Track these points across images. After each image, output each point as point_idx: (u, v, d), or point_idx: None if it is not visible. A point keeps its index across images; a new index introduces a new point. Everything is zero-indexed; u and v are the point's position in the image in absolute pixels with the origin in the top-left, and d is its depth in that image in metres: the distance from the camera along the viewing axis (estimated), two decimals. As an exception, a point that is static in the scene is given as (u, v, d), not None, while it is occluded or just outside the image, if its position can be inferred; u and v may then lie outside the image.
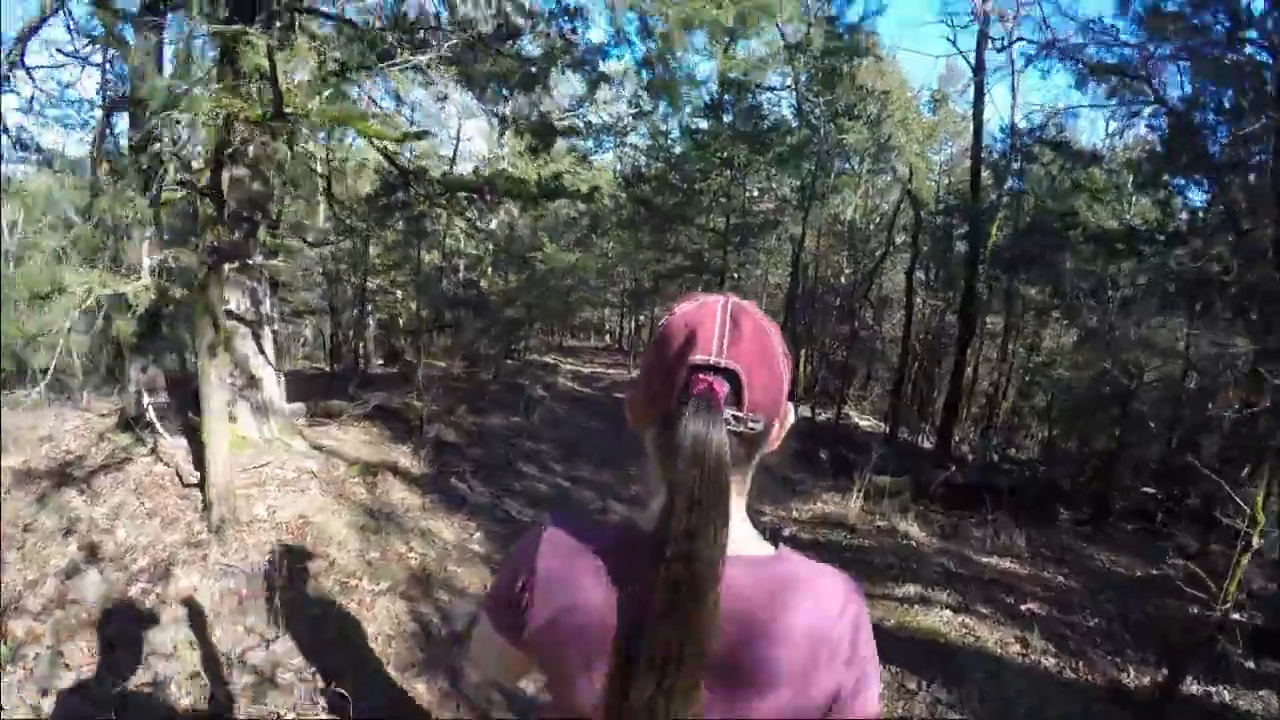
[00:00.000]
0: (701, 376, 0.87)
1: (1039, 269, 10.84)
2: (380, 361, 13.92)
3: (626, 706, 0.81)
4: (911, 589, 5.73)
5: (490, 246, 11.51)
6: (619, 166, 20.07)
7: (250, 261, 5.94)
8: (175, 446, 5.66)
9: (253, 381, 6.40)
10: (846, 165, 14.41)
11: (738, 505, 0.94)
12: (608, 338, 32.04)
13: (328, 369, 11.79)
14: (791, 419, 0.99)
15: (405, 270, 10.98)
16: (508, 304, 13.15)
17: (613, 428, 11.19)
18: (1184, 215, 10.48)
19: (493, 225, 13.45)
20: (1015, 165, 12.25)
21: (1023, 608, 5.56)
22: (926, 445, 11.95)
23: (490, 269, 13.79)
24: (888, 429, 10.80)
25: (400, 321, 12.41)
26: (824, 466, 8.82)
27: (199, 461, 5.18)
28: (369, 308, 11.83)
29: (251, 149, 5.74)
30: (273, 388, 6.65)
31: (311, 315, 11.63)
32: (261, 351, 6.50)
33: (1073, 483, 9.90)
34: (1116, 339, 10.31)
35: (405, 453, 7.46)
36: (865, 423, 13.86)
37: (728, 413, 0.86)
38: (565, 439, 9.90)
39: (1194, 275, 8.55)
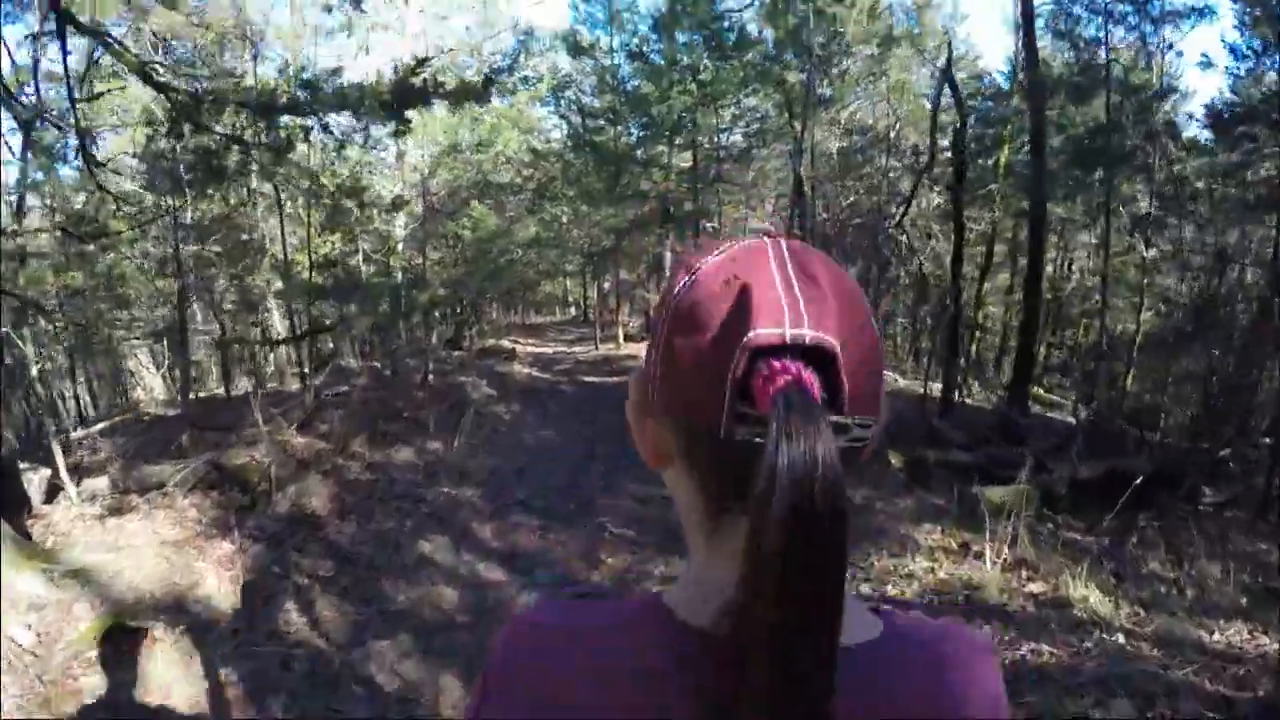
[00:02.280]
0: (776, 364, 0.47)
1: (1126, 166, 8.03)
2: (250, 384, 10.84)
3: None
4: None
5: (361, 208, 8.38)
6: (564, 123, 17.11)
7: None
8: None
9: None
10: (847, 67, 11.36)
11: None
12: (572, 310, 30.75)
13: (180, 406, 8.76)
14: (886, 413, 0.57)
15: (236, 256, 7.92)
16: (427, 285, 10.14)
17: (581, 436, 8.35)
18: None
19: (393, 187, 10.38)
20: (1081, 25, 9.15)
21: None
22: (985, 407, 9.27)
23: (400, 246, 10.70)
24: (941, 394, 8.09)
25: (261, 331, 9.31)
26: (893, 475, 5.99)
27: None
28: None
29: None
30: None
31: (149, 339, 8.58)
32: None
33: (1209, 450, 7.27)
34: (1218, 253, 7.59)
35: (224, 554, 4.56)
36: (901, 382, 11.22)
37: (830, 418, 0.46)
38: (505, 470, 7.04)
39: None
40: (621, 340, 17.78)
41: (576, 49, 14.04)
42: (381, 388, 9.34)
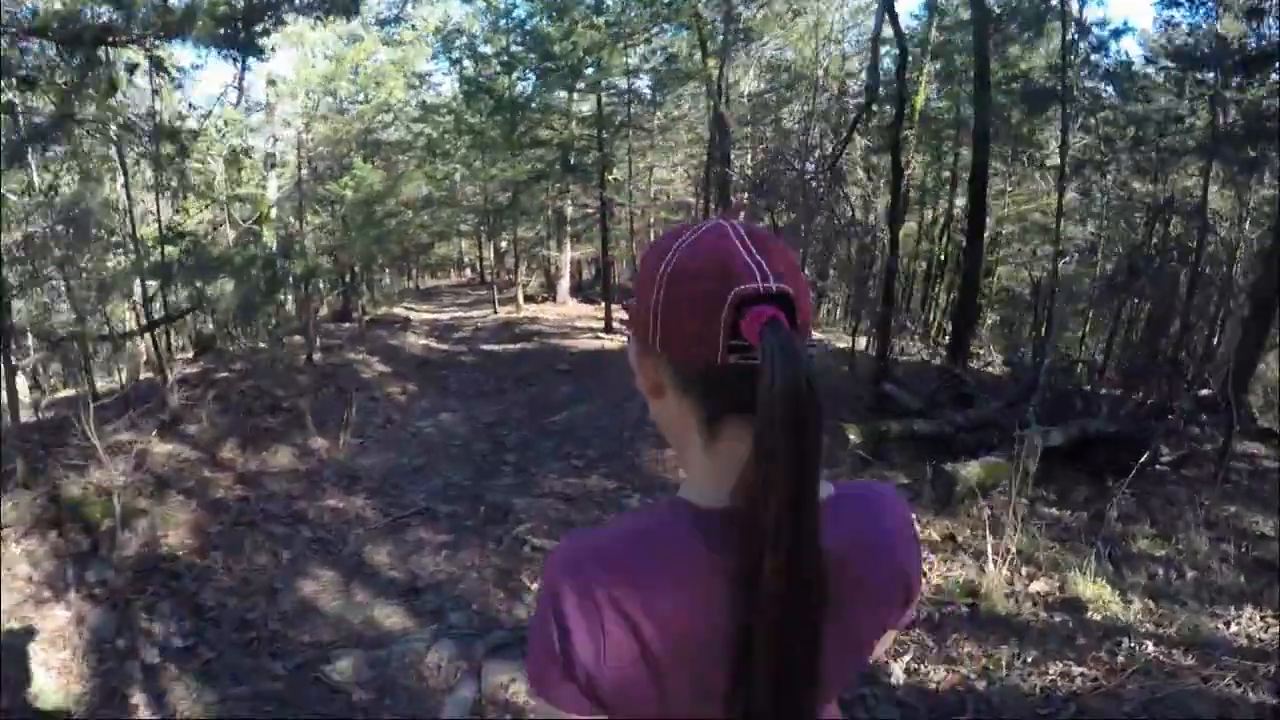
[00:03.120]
0: (758, 308, 0.65)
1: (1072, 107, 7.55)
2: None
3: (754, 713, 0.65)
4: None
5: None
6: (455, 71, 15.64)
7: None
8: None
9: None
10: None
11: None
12: (468, 272, 29.51)
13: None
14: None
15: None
16: (303, 254, 8.73)
17: (487, 420, 7.33)
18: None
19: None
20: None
21: None
22: (919, 364, 8.84)
23: (273, 211, 9.17)
24: (878, 352, 7.52)
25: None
26: (850, 453, 5.28)
27: None
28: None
29: None
30: None
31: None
32: None
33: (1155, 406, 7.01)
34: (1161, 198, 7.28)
35: (57, 627, 3.42)
36: (825, 336, 10.73)
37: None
38: (402, 469, 5.98)
39: None
40: (521, 302, 16.63)
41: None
42: (259, 374, 7.95)
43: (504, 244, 21.09)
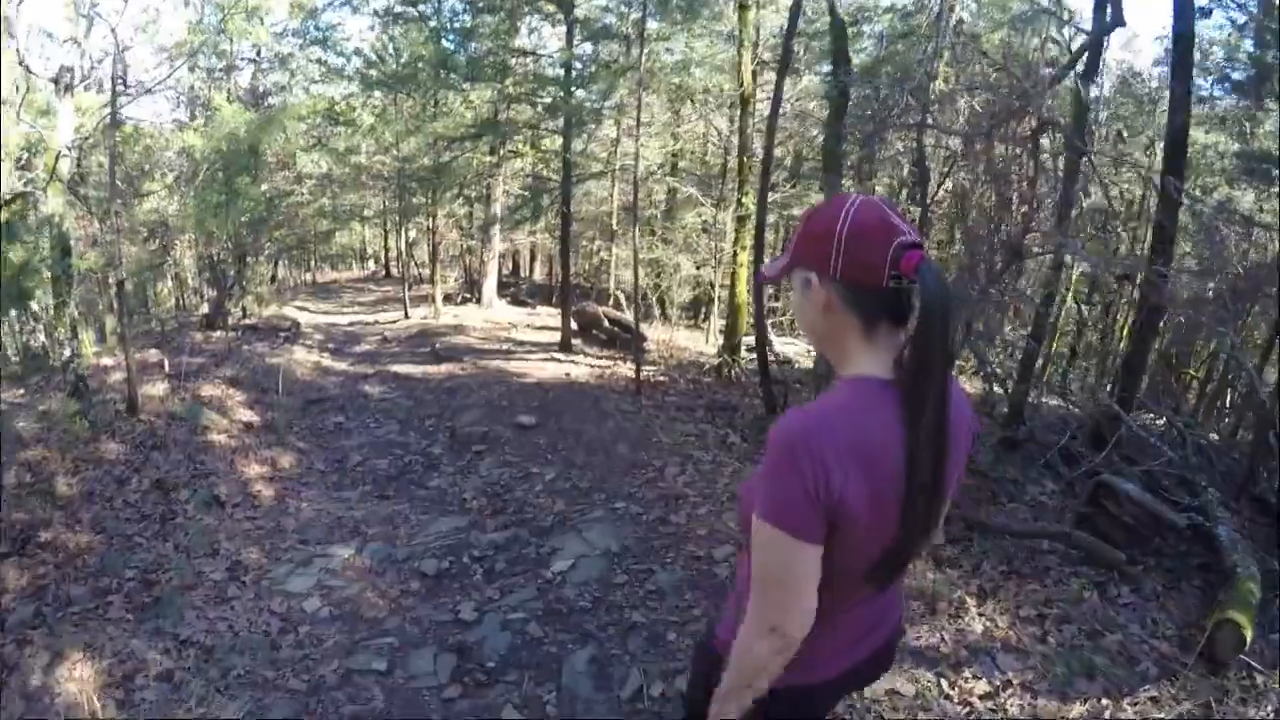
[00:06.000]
0: (912, 251, 1.06)
1: None
2: None
3: (916, 518, 1.07)
4: None
5: None
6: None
7: None
8: None
9: None
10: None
11: None
12: (371, 264, 26.45)
13: None
14: None
15: None
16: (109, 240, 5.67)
17: (433, 513, 4.55)
18: None
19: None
20: None
21: None
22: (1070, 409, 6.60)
23: (62, 164, 5.96)
24: (1012, 393, 5.34)
25: None
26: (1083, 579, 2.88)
27: None
28: None
29: None
30: None
31: None
32: None
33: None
34: None
35: None
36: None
37: None
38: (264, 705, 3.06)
39: None
40: (440, 304, 13.56)
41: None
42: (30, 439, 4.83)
43: (413, 233, 17.98)
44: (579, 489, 5.05)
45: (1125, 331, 6.01)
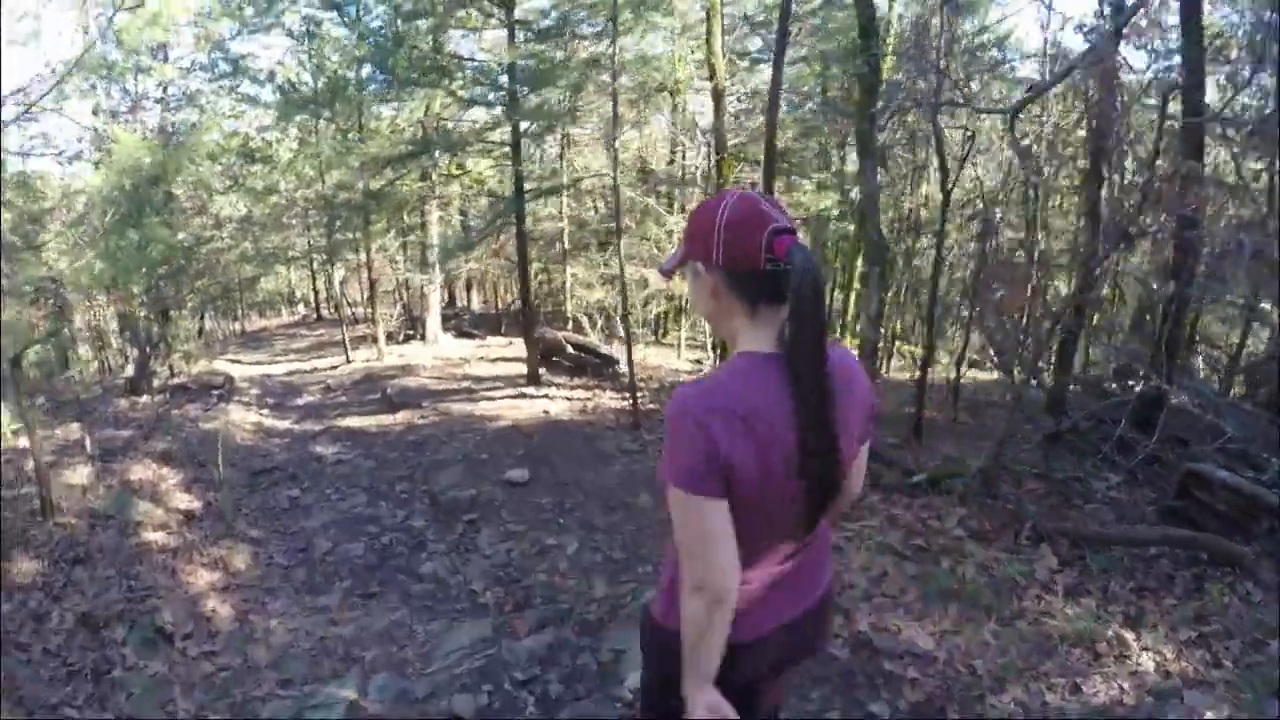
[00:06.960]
0: (784, 236, 1.18)
1: None
2: None
3: (812, 474, 1.18)
4: None
5: None
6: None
7: None
8: None
9: None
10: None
11: None
12: (301, 307, 25.10)
13: None
14: None
15: None
16: None
17: (437, 644, 3.77)
18: None
19: None
20: None
21: None
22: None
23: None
24: (1054, 378, 4.82)
25: None
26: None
27: None
28: None
29: None
30: None
31: None
32: None
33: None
34: None
35: None
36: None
37: None
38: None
39: None
40: (384, 345, 12.58)
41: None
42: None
43: (342, 272, 16.78)
44: (614, 561, 4.21)
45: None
